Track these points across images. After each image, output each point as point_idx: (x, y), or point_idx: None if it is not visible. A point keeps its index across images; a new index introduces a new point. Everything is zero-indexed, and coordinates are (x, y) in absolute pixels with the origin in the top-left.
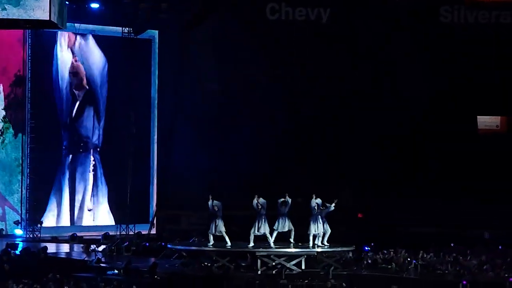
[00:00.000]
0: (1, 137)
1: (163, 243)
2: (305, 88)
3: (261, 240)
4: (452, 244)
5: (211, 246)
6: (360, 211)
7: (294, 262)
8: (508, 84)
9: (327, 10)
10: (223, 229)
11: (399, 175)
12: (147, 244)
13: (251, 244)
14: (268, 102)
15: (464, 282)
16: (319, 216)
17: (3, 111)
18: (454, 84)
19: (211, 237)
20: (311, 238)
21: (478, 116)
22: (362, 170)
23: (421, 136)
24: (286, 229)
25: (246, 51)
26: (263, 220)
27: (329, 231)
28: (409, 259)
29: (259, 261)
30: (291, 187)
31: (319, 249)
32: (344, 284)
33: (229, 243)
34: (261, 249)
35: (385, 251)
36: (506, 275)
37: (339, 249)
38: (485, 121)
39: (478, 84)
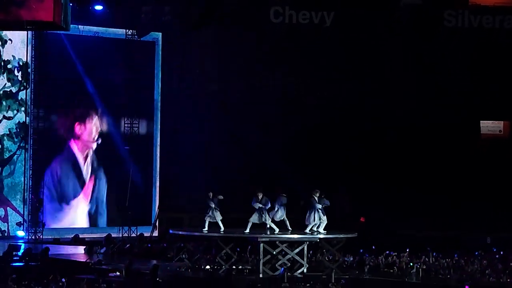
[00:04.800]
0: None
1: (165, 244)
2: (307, 91)
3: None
4: (453, 250)
5: (206, 232)
6: (362, 216)
7: (297, 250)
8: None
9: (330, 13)
10: (219, 217)
11: (401, 179)
12: (149, 245)
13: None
14: (270, 105)
15: (467, 287)
16: (316, 207)
17: None
18: (456, 88)
19: (207, 223)
20: (309, 227)
21: (481, 121)
22: (362, 174)
23: (423, 141)
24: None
25: (249, 54)
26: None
27: (325, 221)
28: (411, 263)
29: (261, 248)
30: (289, 189)
31: (322, 236)
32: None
33: (222, 229)
34: (263, 235)
35: (387, 252)
36: (508, 280)
37: (341, 235)
38: (488, 125)
39: (481, 89)
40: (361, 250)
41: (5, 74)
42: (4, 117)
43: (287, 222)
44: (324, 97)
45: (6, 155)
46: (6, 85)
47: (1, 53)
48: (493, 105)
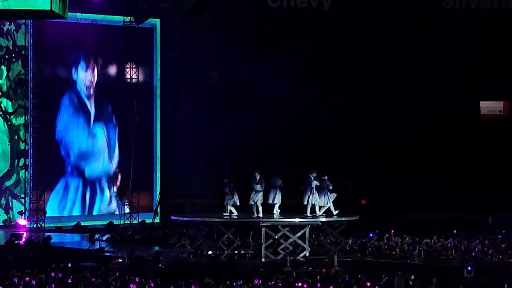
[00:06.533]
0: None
1: (167, 231)
2: (306, 76)
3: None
4: (455, 231)
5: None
6: (363, 198)
7: (299, 234)
8: (511, 69)
9: None
10: (234, 202)
11: (402, 161)
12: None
13: (255, 214)
14: (269, 89)
15: (469, 268)
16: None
17: None
18: (455, 69)
19: (227, 208)
20: (308, 208)
21: (481, 101)
22: (364, 157)
23: (426, 123)
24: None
25: (247, 39)
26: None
27: (328, 205)
28: (413, 245)
29: (263, 232)
30: (292, 174)
31: (323, 219)
32: (338, 268)
33: (235, 213)
34: (265, 219)
35: (387, 235)
36: (511, 259)
37: (343, 218)
38: (488, 106)
39: (479, 69)
40: (371, 234)
41: (19, 61)
42: (20, 106)
43: (277, 206)
44: (321, 79)
45: (22, 146)
46: (21, 72)
47: (16, 39)
48: (492, 85)
